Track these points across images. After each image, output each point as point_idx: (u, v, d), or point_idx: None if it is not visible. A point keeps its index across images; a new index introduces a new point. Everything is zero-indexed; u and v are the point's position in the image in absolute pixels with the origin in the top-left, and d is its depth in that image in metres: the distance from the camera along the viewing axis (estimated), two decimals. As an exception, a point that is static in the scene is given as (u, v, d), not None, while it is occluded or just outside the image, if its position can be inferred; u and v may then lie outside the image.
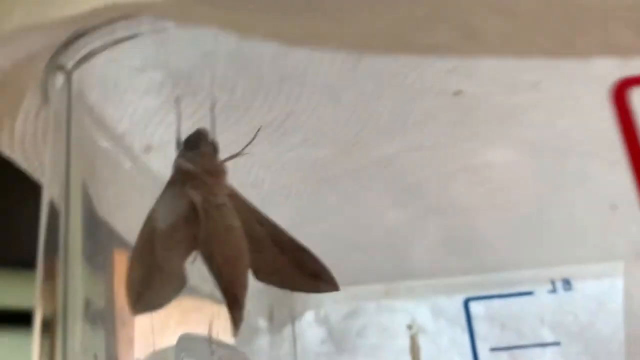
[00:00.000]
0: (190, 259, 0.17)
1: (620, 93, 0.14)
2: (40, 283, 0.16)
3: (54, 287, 0.15)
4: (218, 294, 0.32)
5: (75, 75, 0.18)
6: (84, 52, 0.16)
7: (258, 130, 0.22)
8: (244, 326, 0.44)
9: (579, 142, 0.24)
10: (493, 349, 0.44)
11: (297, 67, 0.18)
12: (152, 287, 0.16)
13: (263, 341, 0.45)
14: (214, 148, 0.19)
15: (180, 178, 0.18)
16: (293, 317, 0.48)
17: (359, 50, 0.11)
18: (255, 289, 0.44)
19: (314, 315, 0.49)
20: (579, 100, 0.20)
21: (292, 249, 0.20)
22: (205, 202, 0.18)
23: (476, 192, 0.30)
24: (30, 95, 0.18)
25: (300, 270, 0.20)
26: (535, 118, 0.21)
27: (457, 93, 0.20)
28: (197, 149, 0.18)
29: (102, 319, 0.20)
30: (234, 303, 0.17)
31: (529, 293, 0.45)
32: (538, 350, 0.44)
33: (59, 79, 0.17)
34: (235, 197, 0.19)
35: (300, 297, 0.49)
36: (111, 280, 0.21)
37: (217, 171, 0.18)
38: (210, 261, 0.17)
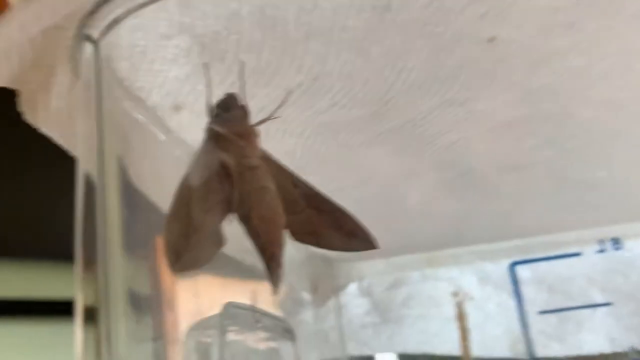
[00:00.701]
0: (227, 219, 0.17)
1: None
2: (80, 269, 0.16)
3: (95, 274, 0.15)
4: (260, 265, 0.32)
5: (103, 46, 0.18)
6: (109, 19, 0.16)
7: (288, 93, 0.21)
8: (288, 299, 0.45)
9: (620, 87, 0.23)
10: (541, 312, 0.44)
11: (322, 24, 0.18)
12: (190, 247, 0.16)
13: (307, 314, 0.46)
14: (244, 111, 0.19)
15: (213, 141, 0.18)
16: (336, 290, 0.48)
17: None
18: (297, 263, 0.44)
19: (357, 287, 0.49)
20: (619, 38, 0.19)
21: (328, 209, 0.20)
22: (238, 164, 0.18)
23: (516, 149, 0.29)
24: (61, 68, 0.19)
25: (337, 230, 0.20)
26: (573, 62, 0.20)
27: (491, 40, 0.19)
28: (227, 112, 0.18)
29: (146, 304, 0.20)
30: (272, 261, 0.17)
31: (577, 254, 0.44)
32: (588, 311, 0.43)
33: (87, 50, 0.17)
34: (268, 160, 0.19)
35: (343, 269, 0.49)
36: (155, 262, 0.22)
37: (248, 134, 0.18)
38: (247, 222, 0.17)
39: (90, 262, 0.15)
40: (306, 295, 0.44)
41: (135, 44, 0.18)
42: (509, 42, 0.20)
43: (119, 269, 0.17)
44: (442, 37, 0.19)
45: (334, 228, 0.20)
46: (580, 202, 0.41)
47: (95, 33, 0.17)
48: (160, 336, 0.23)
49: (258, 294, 0.30)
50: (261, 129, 0.25)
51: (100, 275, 0.16)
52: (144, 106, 0.21)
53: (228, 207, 0.17)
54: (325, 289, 0.46)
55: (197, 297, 0.29)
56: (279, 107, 0.21)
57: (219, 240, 0.17)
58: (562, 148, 0.30)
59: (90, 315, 0.15)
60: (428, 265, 0.47)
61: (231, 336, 0.26)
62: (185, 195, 0.16)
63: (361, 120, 0.24)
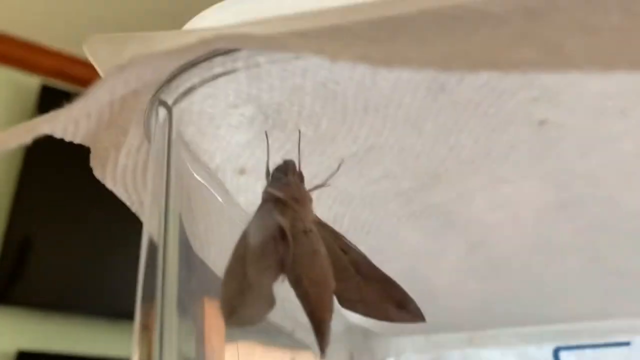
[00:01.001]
0: (279, 280, 0.18)
1: None
2: (137, 329, 0.16)
3: (151, 334, 0.16)
4: (299, 333, 0.32)
5: (175, 112, 0.19)
6: (184, 87, 0.18)
7: (341, 163, 0.22)
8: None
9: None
10: (587, 404, 0.42)
11: (379, 100, 0.19)
12: (244, 303, 0.16)
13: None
14: (300, 178, 0.20)
15: (270, 204, 0.19)
16: (374, 364, 0.47)
17: (443, 69, 0.11)
18: (335, 334, 0.44)
19: (394, 362, 0.48)
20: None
21: (377, 278, 0.20)
22: (293, 227, 0.18)
23: (560, 232, 0.29)
24: (134, 130, 0.20)
25: (386, 299, 0.20)
26: (623, 147, 0.21)
27: (542, 122, 0.20)
28: (285, 177, 0.19)
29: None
30: (321, 326, 0.17)
31: (626, 343, 0.42)
32: (635, 406, 0.41)
33: (161, 114, 0.19)
34: (320, 225, 0.20)
35: (382, 343, 0.48)
36: (202, 326, 0.22)
37: (303, 199, 0.19)
38: (298, 284, 0.18)
39: (147, 322, 0.16)
40: (343, 368, 0.43)
41: (204, 111, 0.20)
42: (559, 126, 0.20)
43: (173, 329, 0.17)
44: (494, 117, 0.20)
45: (382, 297, 0.20)
46: (629, 290, 0.40)
47: (170, 99, 0.18)
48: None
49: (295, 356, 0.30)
50: (312, 194, 0.26)
51: (157, 336, 0.16)
52: (206, 169, 0.22)
53: (281, 269, 0.18)
54: (363, 362, 0.45)
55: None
56: (333, 174, 0.22)
57: (271, 300, 0.17)
58: (608, 233, 0.30)
59: None
60: (469, 345, 0.46)
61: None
62: (242, 253, 0.17)
63: (411, 192, 0.25)
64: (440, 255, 0.31)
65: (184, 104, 0.19)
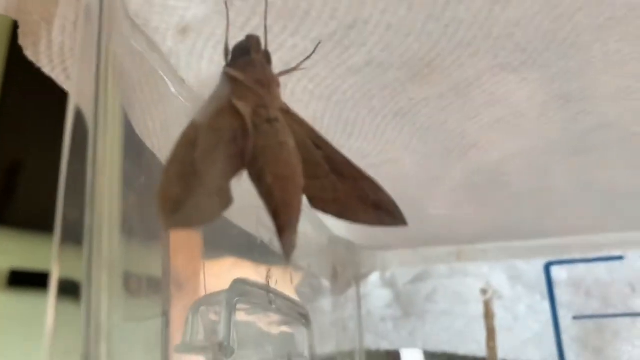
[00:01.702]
0: (237, 176, 0.15)
1: None
2: (57, 240, 0.13)
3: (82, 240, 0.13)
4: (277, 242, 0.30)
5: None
6: None
7: (318, 44, 0.19)
8: (306, 284, 0.42)
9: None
10: (576, 318, 0.41)
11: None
12: (190, 202, 0.13)
13: (326, 302, 0.43)
14: (266, 57, 0.17)
15: (228, 87, 0.16)
16: (358, 279, 0.46)
17: None
18: (318, 247, 0.41)
19: (380, 277, 0.47)
20: None
21: (353, 176, 0.17)
22: (255, 114, 0.15)
23: (563, 133, 0.26)
24: (65, -3, 0.17)
25: (362, 200, 0.17)
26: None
27: (556, -9, 0.17)
28: (247, 56, 0.16)
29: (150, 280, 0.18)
30: (285, 227, 0.15)
31: (619, 257, 0.41)
32: (627, 320, 0.40)
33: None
34: (289, 114, 0.16)
35: (367, 257, 0.46)
36: (166, 239, 0.19)
37: (269, 82, 0.16)
38: (260, 180, 0.15)
39: (75, 227, 0.13)
40: (325, 282, 0.42)
41: (148, -27, 0.16)
42: (576, -5, 0.17)
43: (114, 240, 0.14)
44: (500, -19, 0.16)
45: (358, 198, 0.17)
46: (625, 204, 0.37)
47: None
48: (166, 313, 0.21)
49: (274, 276, 0.28)
50: (286, 90, 0.23)
51: (85, 251, 0.13)
52: (157, 52, 0.19)
53: (239, 162, 0.15)
54: (346, 276, 0.44)
55: (210, 280, 0.27)
56: (307, 57, 0.19)
57: (225, 198, 0.14)
58: (613, 138, 0.27)
59: (73, 290, 0.13)
60: (457, 259, 0.44)
61: (241, 315, 0.24)
62: (191, 139, 0.14)
63: (399, 83, 0.22)
64: (428, 161, 0.28)
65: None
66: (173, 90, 0.20)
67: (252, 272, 0.28)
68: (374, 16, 0.18)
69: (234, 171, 0.15)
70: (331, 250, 0.41)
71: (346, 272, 0.44)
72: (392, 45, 0.19)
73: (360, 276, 0.45)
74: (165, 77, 0.19)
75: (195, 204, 0.13)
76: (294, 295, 0.38)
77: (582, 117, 0.24)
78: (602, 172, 0.33)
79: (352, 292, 0.44)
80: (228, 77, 0.16)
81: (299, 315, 0.31)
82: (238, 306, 0.24)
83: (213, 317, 0.22)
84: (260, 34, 0.18)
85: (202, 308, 0.22)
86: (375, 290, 0.46)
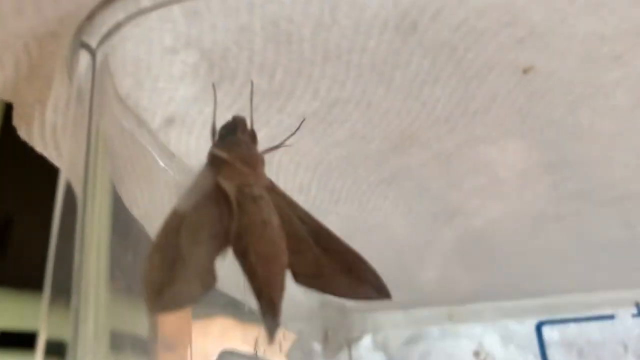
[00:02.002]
0: (221, 255, 0.15)
1: None
2: (49, 296, 0.13)
3: (69, 303, 0.13)
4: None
5: (104, 58, 0.16)
6: (107, 26, 0.15)
7: (302, 121, 0.20)
8: (296, 349, 0.42)
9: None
10: (571, 379, 0.40)
11: (341, 43, 0.16)
12: (175, 284, 0.14)
13: (317, 365, 0.43)
14: (252, 136, 0.17)
15: (214, 167, 0.16)
16: (349, 342, 0.45)
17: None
18: (308, 310, 0.41)
19: (372, 340, 0.46)
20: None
21: (338, 250, 0.18)
22: (240, 193, 0.16)
23: (546, 198, 0.27)
24: (59, 80, 0.17)
25: (346, 275, 0.17)
26: (618, 99, 0.19)
27: (527, 70, 0.18)
28: (232, 136, 0.17)
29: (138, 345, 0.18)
30: (269, 307, 0.15)
31: (610, 317, 0.41)
32: (622, 381, 0.40)
33: (84, 59, 0.16)
34: (274, 191, 0.17)
35: (358, 320, 0.46)
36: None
37: (254, 161, 0.17)
38: (244, 259, 0.15)
39: (63, 290, 0.13)
40: (317, 346, 0.41)
41: (140, 59, 0.17)
42: (547, 74, 0.18)
43: (101, 302, 0.14)
44: (472, 64, 0.17)
45: (342, 271, 0.17)
46: (614, 262, 0.38)
47: (92, 41, 0.15)
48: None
49: (262, 342, 0.28)
50: (274, 160, 0.23)
51: (77, 306, 0.13)
52: (146, 128, 0.19)
53: (224, 241, 0.15)
54: (338, 339, 0.43)
55: (198, 341, 0.27)
56: (292, 134, 0.19)
57: (210, 278, 0.15)
58: (596, 201, 0.28)
59: (60, 351, 0.13)
60: (449, 320, 0.44)
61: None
62: (175, 223, 0.15)
63: (381, 154, 0.22)
64: (415, 225, 0.29)
65: (114, 51, 0.16)
66: (162, 164, 0.20)
67: (240, 335, 0.28)
68: (354, 95, 0.19)
69: (219, 250, 0.15)
70: (322, 313, 0.41)
71: (338, 336, 0.44)
72: (373, 121, 0.20)
73: (352, 339, 0.45)
74: (153, 152, 0.20)
75: (180, 287, 0.14)
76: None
77: (563, 184, 0.25)
78: (587, 232, 0.33)
79: (343, 356, 0.44)
80: (214, 157, 0.17)
81: (289, 382, 0.30)
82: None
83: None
84: (246, 113, 0.18)
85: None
86: (367, 354, 0.45)
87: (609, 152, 0.23)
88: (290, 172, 0.23)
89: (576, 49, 0.17)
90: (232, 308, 0.26)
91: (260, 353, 0.27)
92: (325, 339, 0.42)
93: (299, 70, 0.17)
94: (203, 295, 0.14)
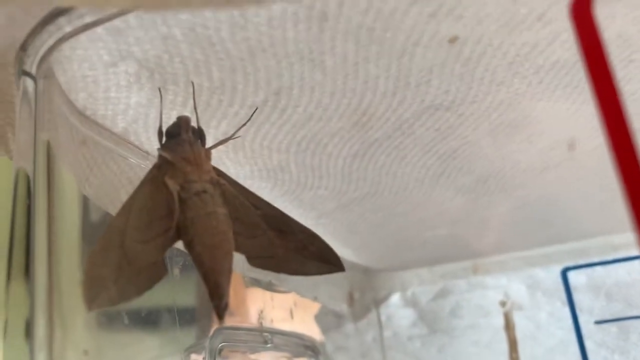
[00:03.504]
0: (168, 251, 0.17)
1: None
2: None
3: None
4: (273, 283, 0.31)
5: (49, 80, 0.18)
6: (41, 52, 0.16)
7: (254, 111, 0.21)
8: (327, 313, 0.43)
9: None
10: (599, 322, 0.40)
11: (261, 39, 0.17)
12: (120, 281, 0.15)
13: (348, 327, 0.44)
14: (199, 135, 0.19)
15: (158, 168, 0.18)
16: (377, 302, 0.47)
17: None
18: (332, 275, 0.43)
19: (400, 297, 0.48)
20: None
21: (292, 231, 0.19)
22: (184, 190, 0.17)
23: (531, 150, 0.27)
24: (20, 104, 0.19)
25: (299, 252, 0.19)
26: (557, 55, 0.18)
27: (453, 40, 0.18)
28: (177, 137, 0.18)
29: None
30: (215, 290, 0.16)
31: (637, 257, 0.40)
32: (653, 321, 0.39)
33: (29, 86, 0.17)
34: (221, 183, 0.18)
35: (383, 280, 0.47)
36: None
37: (197, 158, 0.18)
38: (191, 249, 0.17)
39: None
40: (344, 309, 0.43)
41: (87, 75, 0.18)
42: (475, 41, 0.18)
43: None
44: (395, 41, 0.18)
45: (296, 251, 0.19)
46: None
47: (31, 67, 0.17)
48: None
49: (267, 316, 0.29)
50: (245, 147, 0.24)
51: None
52: (110, 133, 0.21)
53: (171, 238, 0.17)
54: (364, 301, 0.45)
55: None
56: (243, 125, 0.20)
57: (157, 272, 0.16)
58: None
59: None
60: (473, 273, 0.44)
61: (230, 357, 0.26)
62: (120, 224, 0.16)
63: (345, 131, 0.23)
64: (405, 192, 0.29)
65: (66, 71, 0.18)
66: (134, 161, 0.22)
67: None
68: (294, 83, 0.19)
69: (165, 247, 0.17)
70: (344, 276, 0.43)
71: (364, 297, 0.45)
72: (323, 102, 0.21)
73: (380, 299, 0.46)
74: (124, 153, 0.22)
75: (121, 286, 0.15)
76: (312, 326, 0.40)
77: (536, 138, 0.25)
78: (605, 169, 0.33)
79: (372, 315, 0.45)
80: (161, 157, 0.18)
81: (305, 347, 0.32)
82: (230, 349, 0.26)
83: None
84: (201, 109, 0.20)
85: (193, 355, 0.24)
86: (398, 311, 0.47)
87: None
88: (265, 155, 0.25)
89: (494, 14, 0.17)
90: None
91: (265, 324, 0.28)
92: (352, 302, 0.43)
93: (232, 66, 0.18)
94: (149, 288, 0.16)
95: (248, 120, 0.20)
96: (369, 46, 0.18)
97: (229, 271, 0.17)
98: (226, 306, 0.16)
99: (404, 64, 0.19)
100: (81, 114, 0.20)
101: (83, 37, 0.16)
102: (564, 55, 0.19)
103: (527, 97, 0.21)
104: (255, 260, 0.18)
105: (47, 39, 0.16)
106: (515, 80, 0.20)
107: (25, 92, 0.17)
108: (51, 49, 0.16)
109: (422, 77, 0.19)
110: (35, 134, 0.17)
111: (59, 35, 0.16)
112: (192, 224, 0.17)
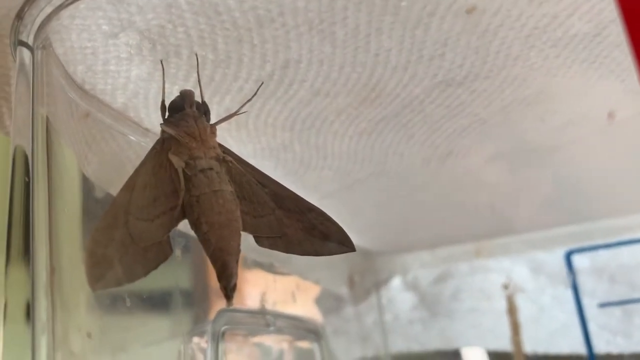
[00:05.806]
0: (173, 229, 0.16)
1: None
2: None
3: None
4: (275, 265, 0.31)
5: (47, 51, 0.17)
6: (38, 21, 0.16)
7: (260, 85, 0.20)
8: (324, 296, 0.43)
9: None
10: (602, 305, 0.40)
11: (270, 8, 0.16)
12: (123, 263, 0.15)
13: (348, 310, 0.44)
14: (204, 109, 0.18)
15: (162, 144, 0.17)
16: (378, 285, 0.46)
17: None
18: (332, 258, 0.42)
19: (401, 281, 0.47)
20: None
21: (300, 209, 0.18)
22: (189, 167, 0.16)
23: (540, 127, 0.26)
24: (16, 76, 0.18)
25: (309, 232, 0.18)
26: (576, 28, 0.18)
27: (470, 10, 0.17)
28: (180, 111, 0.17)
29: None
30: (223, 271, 0.16)
31: (641, 240, 0.40)
32: (657, 304, 0.39)
33: (26, 56, 0.16)
34: (228, 160, 0.17)
35: (384, 263, 0.47)
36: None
37: (202, 133, 0.17)
38: (197, 228, 0.16)
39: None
40: (344, 292, 0.42)
41: (85, 46, 0.18)
42: (493, 12, 0.17)
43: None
44: (410, 12, 0.17)
45: (305, 230, 0.18)
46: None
47: (28, 37, 0.16)
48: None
49: (269, 299, 0.29)
50: (249, 125, 0.24)
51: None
52: (110, 111, 0.20)
53: (176, 217, 0.16)
54: (365, 284, 0.44)
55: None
56: (249, 100, 0.19)
57: (163, 252, 0.16)
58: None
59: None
60: (476, 256, 0.44)
61: (239, 340, 0.25)
62: (124, 201, 0.15)
63: (352, 108, 0.22)
64: (410, 171, 0.29)
65: (64, 41, 0.17)
66: (134, 138, 0.21)
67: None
68: (303, 55, 0.18)
69: (171, 225, 0.16)
70: (344, 260, 0.42)
71: (364, 280, 0.44)
72: (331, 77, 0.20)
73: (380, 282, 0.46)
74: (124, 130, 0.21)
75: (126, 266, 0.14)
76: (312, 309, 0.39)
77: (550, 116, 0.24)
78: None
79: (373, 298, 0.45)
80: (164, 133, 0.17)
81: (306, 331, 0.32)
82: (232, 332, 0.25)
83: (205, 346, 0.24)
84: (204, 82, 0.19)
85: (193, 338, 0.24)
86: (399, 294, 0.46)
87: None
88: (269, 133, 0.24)
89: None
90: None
91: (268, 306, 0.28)
92: (352, 285, 0.43)
93: (239, 37, 0.17)
94: (154, 268, 0.15)
95: (254, 95, 0.19)
96: (382, 16, 0.17)
97: (237, 251, 0.16)
98: (234, 287, 0.16)
99: (418, 36, 0.18)
100: (80, 88, 0.19)
101: (82, 5, 0.16)
102: (583, 29, 0.18)
103: (542, 72, 0.20)
104: (263, 240, 0.18)
105: (44, 5, 0.15)
106: (531, 54, 0.19)
107: (22, 64, 0.16)
108: (49, 17, 0.16)
109: (436, 50, 0.19)
110: (32, 108, 0.16)
111: (57, 2, 0.15)
112: (197, 202, 0.16)
